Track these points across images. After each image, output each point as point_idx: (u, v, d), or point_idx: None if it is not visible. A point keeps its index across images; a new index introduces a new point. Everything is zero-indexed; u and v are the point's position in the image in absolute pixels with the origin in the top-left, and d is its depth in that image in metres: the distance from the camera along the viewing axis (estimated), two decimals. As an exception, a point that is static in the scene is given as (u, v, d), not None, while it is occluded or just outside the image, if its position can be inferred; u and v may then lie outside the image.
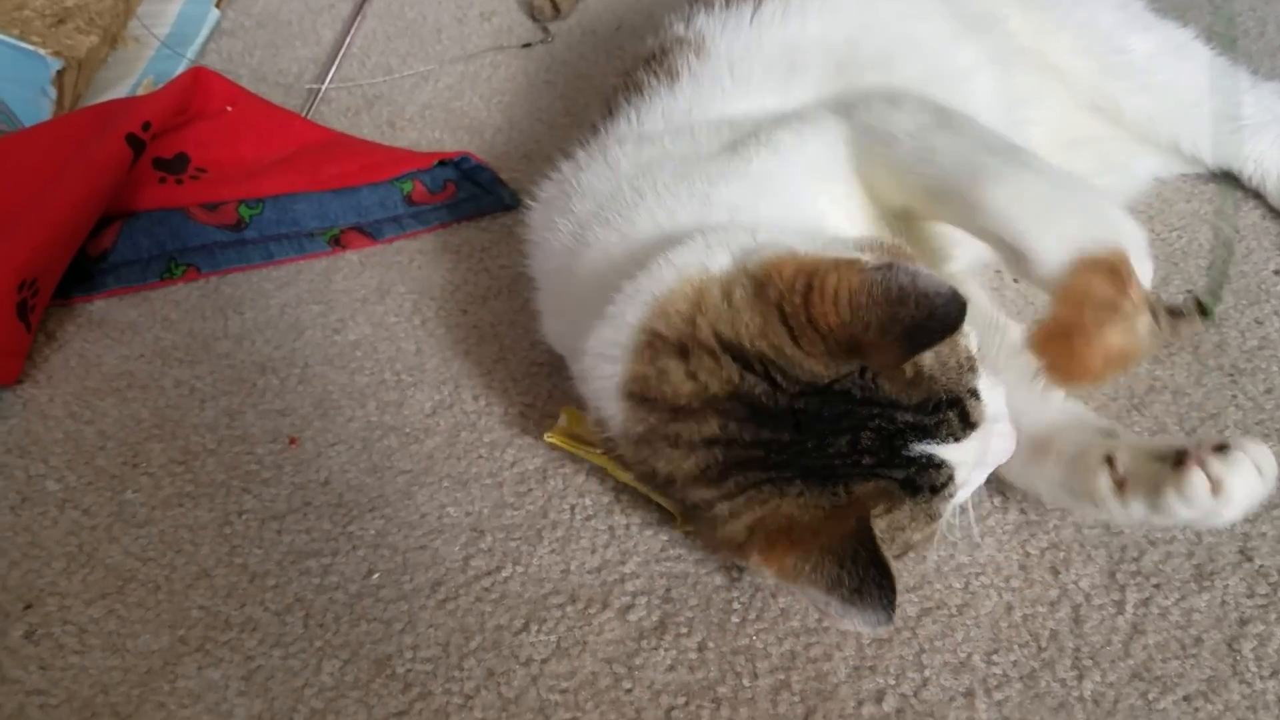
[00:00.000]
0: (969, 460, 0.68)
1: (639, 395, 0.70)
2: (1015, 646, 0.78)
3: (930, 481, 0.67)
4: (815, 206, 0.80)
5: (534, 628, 0.82)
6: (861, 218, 0.82)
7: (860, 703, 0.76)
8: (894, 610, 0.64)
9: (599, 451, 0.82)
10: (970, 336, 0.69)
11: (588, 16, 1.53)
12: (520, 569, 0.86)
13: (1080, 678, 0.76)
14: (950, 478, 0.67)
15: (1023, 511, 0.86)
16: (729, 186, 0.79)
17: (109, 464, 0.95)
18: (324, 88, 1.38)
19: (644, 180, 0.81)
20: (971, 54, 0.97)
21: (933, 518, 0.69)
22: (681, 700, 0.77)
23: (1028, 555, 0.83)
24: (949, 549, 0.84)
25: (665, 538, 0.87)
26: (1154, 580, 0.81)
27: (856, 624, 0.66)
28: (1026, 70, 1.03)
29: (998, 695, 0.75)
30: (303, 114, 1.32)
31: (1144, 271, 0.73)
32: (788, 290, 0.65)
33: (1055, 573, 0.82)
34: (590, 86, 1.39)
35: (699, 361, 0.67)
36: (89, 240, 1.11)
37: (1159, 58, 1.04)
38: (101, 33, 1.35)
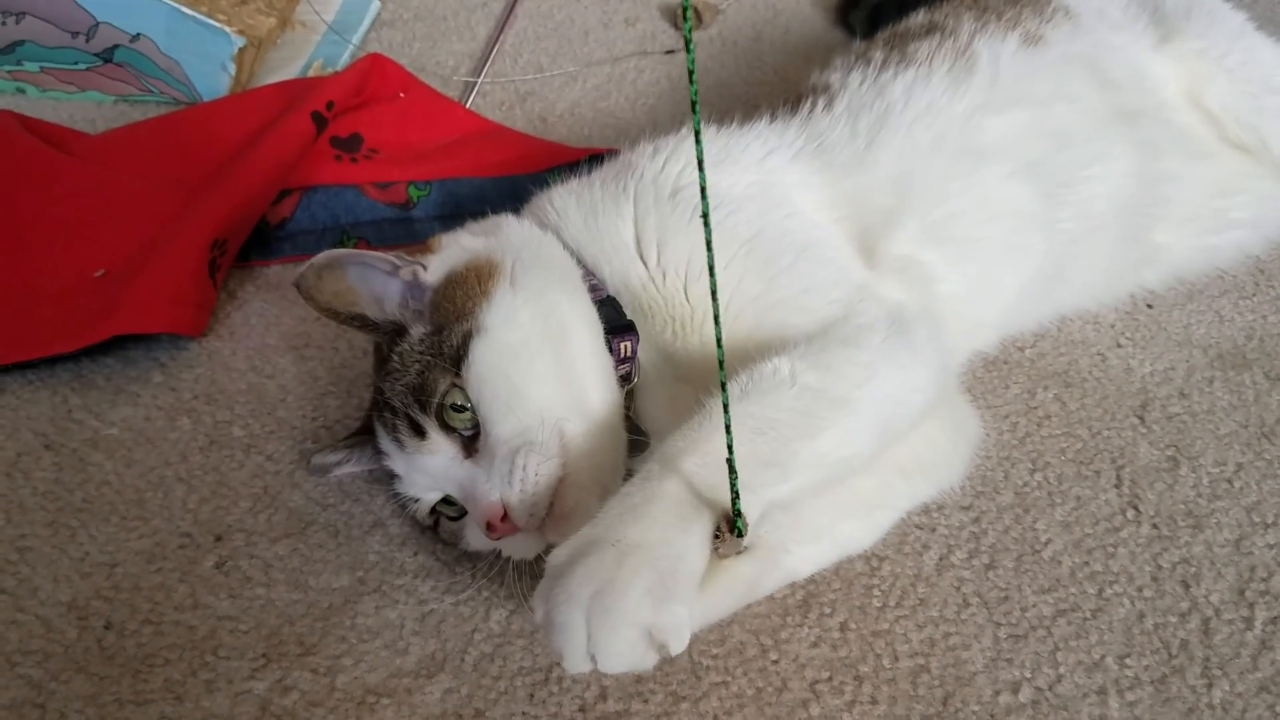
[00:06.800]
0: (421, 477, 0.83)
1: None
2: (1147, 652, 0.82)
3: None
4: None
5: (685, 597, 0.87)
6: None
7: (997, 692, 0.80)
8: None
9: None
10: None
11: (728, 27, 1.60)
12: (671, 542, 0.91)
13: (1210, 686, 0.80)
14: (396, 474, 0.85)
15: (1155, 526, 0.90)
16: None
17: (289, 415, 1.02)
18: (480, 80, 1.46)
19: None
20: (1109, 140, 1.00)
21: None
22: (825, 675, 0.82)
23: (1159, 568, 0.87)
24: (1083, 555, 0.88)
25: (808, 524, 0.92)
26: (1284, 601, 0.84)
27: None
28: (1174, 151, 1.06)
29: (1130, 696, 0.79)
30: (462, 104, 1.40)
31: None
32: None
33: (1186, 586, 0.86)
34: (730, 93, 1.45)
35: None
36: (269, 209, 1.19)
37: None
38: (279, 15, 1.44)
